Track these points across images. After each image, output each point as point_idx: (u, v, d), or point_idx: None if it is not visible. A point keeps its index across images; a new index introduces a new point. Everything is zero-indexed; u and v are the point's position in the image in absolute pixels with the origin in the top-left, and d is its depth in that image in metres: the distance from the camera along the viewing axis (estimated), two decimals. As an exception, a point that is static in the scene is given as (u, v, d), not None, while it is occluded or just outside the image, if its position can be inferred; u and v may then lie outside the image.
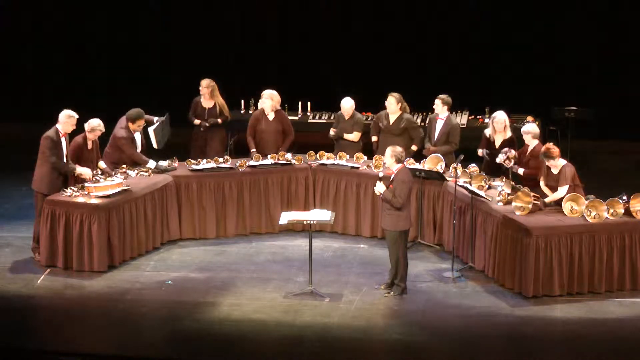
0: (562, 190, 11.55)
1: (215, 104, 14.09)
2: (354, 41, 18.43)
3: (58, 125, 12.01)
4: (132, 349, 10.00)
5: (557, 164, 11.64)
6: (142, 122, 12.91)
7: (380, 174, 11.24)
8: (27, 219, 12.79)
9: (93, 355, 9.83)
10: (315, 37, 18.48)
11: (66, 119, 12.03)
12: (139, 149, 12.97)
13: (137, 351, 9.97)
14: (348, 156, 13.45)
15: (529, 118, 15.80)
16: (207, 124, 13.97)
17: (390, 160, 11.18)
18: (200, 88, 14.10)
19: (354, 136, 13.78)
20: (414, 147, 13.45)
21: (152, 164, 12.84)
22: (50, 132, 11.99)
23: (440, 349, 10.08)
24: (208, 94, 14.05)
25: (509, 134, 12.90)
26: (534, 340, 10.22)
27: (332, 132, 13.84)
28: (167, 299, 11.11)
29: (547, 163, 11.69)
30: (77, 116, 12.11)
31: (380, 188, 11.12)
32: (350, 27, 18.50)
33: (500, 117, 12.88)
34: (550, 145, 11.72)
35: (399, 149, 11.27)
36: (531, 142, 12.38)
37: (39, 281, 11.49)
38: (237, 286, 11.44)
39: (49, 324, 10.60)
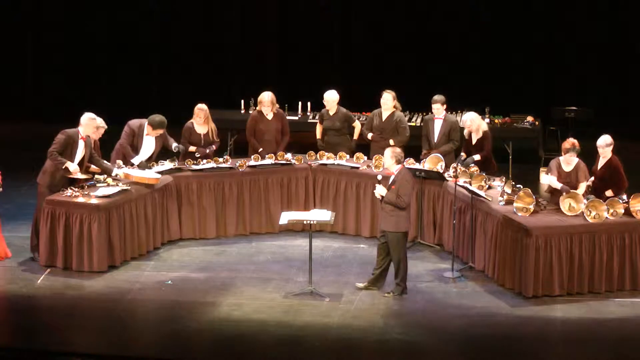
0: (584, 187, 11.70)
1: (209, 130, 13.41)
2: (354, 41, 18.43)
3: (80, 128, 12.05)
4: (132, 349, 9.99)
5: (573, 160, 11.73)
6: (160, 132, 12.84)
7: (379, 177, 11.24)
8: (27, 219, 12.76)
9: (93, 355, 9.81)
10: (315, 36, 18.48)
11: (88, 121, 12.08)
12: (146, 152, 12.91)
13: (137, 351, 9.96)
14: (348, 156, 13.45)
15: (529, 118, 15.82)
16: (206, 151, 13.30)
17: (390, 161, 11.17)
18: (198, 115, 13.26)
19: (358, 128, 13.91)
20: (391, 141, 13.28)
21: (136, 160, 12.80)
22: (70, 130, 12.05)
23: (440, 349, 10.07)
24: (205, 119, 13.32)
25: (482, 132, 12.98)
26: (534, 340, 10.21)
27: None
28: (167, 299, 11.10)
29: (568, 157, 11.72)
30: (99, 119, 12.21)
31: (381, 191, 11.11)
32: (350, 27, 18.49)
33: (468, 119, 12.95)
34: (574, 139, 11.83)
35: (398, 149, 11.28)
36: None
37: (39, 281, 11.49)
38: (237, 286, 11.44)
39: (49, 324, 10.58)
